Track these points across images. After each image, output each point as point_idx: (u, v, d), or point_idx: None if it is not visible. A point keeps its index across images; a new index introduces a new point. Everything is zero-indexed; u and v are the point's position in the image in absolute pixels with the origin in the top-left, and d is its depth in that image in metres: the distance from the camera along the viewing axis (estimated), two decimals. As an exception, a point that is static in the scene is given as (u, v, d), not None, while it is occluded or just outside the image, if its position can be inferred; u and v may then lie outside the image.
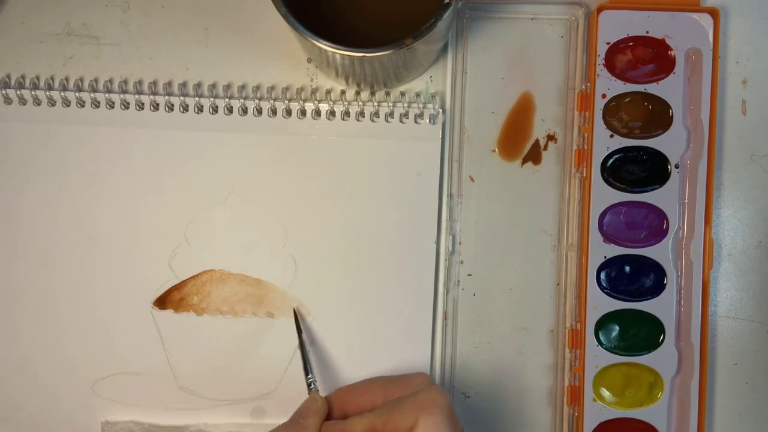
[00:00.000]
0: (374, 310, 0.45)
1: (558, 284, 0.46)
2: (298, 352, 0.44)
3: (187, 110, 0.45)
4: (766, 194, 0.46)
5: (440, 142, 0.45)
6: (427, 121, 0.45)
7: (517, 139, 0.46)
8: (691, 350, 0.44)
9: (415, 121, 0.45)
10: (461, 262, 0.46)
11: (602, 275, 0.44)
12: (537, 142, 0.46)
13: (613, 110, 0.44)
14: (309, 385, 0.41)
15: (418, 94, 0.45)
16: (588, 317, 0.44)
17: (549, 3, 0.46)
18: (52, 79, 0.46)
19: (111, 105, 0.45)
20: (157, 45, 0.46)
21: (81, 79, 0.46)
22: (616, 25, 0.44)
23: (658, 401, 0.44)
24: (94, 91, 0.45)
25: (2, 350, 0.45)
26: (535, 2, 0.46)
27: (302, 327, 0.44)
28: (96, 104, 0.45)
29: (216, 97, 0.45)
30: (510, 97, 0.46)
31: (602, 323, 0.44)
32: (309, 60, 0.46)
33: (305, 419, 0.39)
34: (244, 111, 0.45)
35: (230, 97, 0.45)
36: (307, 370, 0.42)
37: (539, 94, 0.46)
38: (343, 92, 0.45)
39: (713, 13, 0.44)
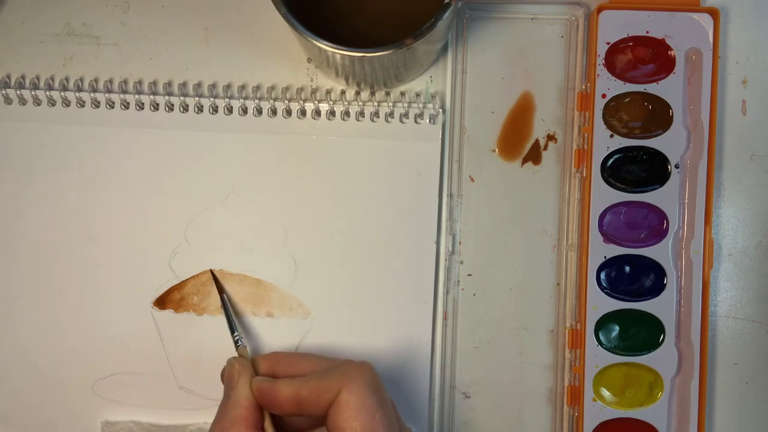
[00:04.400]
0: (374, 310, 0.45)
1: (558, 284, 0.46)
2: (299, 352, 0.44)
3: (187, 110, 0.45)
4: (766, 194, 0.46)
5: (440, 142, 0.45)
6: (427, 121, 0.45)
7: (517, 139, 0.46)
8: (691, 350, 0.44)
9: (415, 121, 0.45)
10: (461, 262, 0.46)
11: (602, 275, 0.44)
12: (537, 142, 0.46)
13: (613, 110, 0.44)
14: (236, 342, 0.41)
15: (418, 94, 0.45)
16: (588, 317, 0.44)
17: (549, 3, 0.46)
18: (52, 79, 0.46)
19: (111, 105, 0.45)
20: (157, 45, 0.46)
21: (81, 79, 0.46)
22: (616, 25, 0.44)
23: (658, 401, 0.44)
24: (94, 91, 0.45)
25: (2, 350, 0.45)
26: (535, 2, 0.46)
27: (223, 286, 0.44)
28: (96, 104, 0.45)
29: (216, 97, 0.45)
30: (510, 97, 0.46)
31: (602, 323, 0.44)
32: (309, 60, 0.46)
33: (234, 390, 0.38)
34: (244, 111, 0.45)
35: (230, 97, 0.45)
36: (232, 327, 0.42)
37: (539, 94, 0.46)
38: (343, 92, 0.45)
39: (713, 13, 0.44)
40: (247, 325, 0.45)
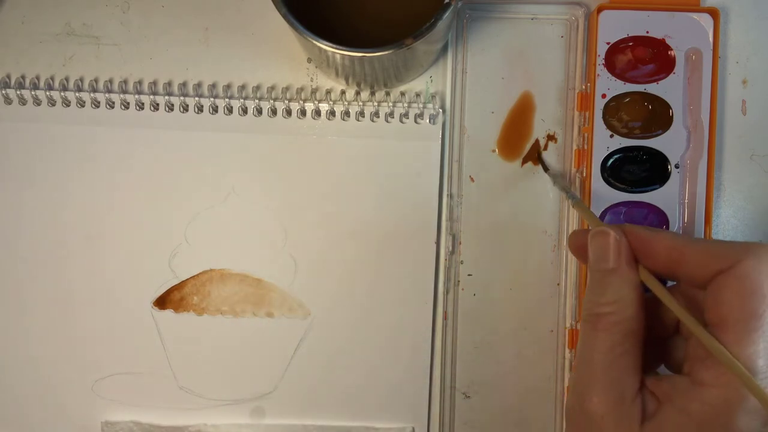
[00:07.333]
0: (374, 310, 0.45)
1: (558, 284, 0.46)
2: (299, 352, 0.44)
3: (187, 110, 0.45)
4: (766, 194, 0.46)
5: (440, 142, 0.45)
6: (427, 121, 0.45)
7: (517, 139, 0.46)
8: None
9: (415, 121, 0.45)
10: (461, 262, 0.46)
11: (602, 275, 0.44)
12: (537, 142, 0.46)
13: (613, 110, 0.44)
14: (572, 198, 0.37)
15: (418, 94, 0.45)
16: (588, 317, 0.44)
17: (549, 3, 0.46)
18: (52, 79, 0.46)
19: (111, 105, 0.45)
20: (157, 45, 0.46)
21: (81, 79, 0.46)
22: (616, 25, 0.44)
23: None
24: (94, 91, 0.45)
25: (2, 350, 0.45)
26: (535, 2, 0.46)
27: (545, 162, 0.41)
28: (96, 104, 0.45)
29: (216, 97, 0.45)
30: (510, 97, 0.46)
31: (602, 323, 0.44)
32: (309, 60, 0.46)
33: (617, 273, 0.32)
34: (244, 111, 0.45)
35: (230, 97, 0.45)
36: (566, 188, 0.40)
37: (539, 94, 0.46)
38: (343, 92, 0.45)
39: (713, 13, 0.44)
40: (248, 325, 0.45)
